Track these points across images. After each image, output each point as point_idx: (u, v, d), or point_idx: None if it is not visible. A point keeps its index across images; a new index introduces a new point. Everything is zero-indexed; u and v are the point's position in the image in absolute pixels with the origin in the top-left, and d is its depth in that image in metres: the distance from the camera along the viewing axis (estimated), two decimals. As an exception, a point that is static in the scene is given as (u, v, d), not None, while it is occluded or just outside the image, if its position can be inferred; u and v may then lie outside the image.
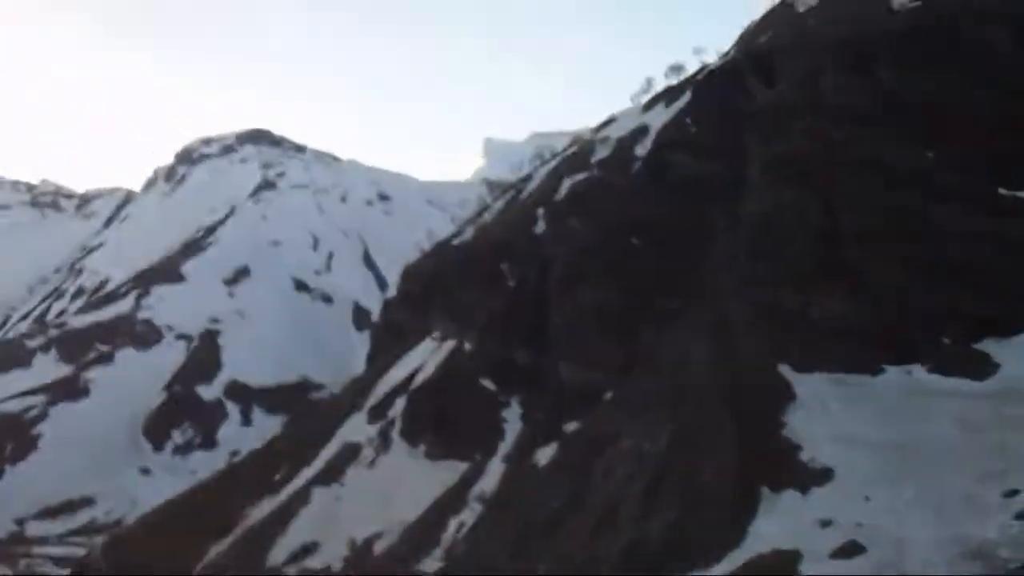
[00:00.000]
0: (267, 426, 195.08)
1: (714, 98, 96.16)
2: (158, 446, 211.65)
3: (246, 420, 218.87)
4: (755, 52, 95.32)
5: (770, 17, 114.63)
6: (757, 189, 73.49)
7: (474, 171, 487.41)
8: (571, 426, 76.42)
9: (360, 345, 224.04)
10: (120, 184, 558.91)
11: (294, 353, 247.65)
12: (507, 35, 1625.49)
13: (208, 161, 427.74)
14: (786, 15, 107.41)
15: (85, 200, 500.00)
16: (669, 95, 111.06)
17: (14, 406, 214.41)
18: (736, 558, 42.91)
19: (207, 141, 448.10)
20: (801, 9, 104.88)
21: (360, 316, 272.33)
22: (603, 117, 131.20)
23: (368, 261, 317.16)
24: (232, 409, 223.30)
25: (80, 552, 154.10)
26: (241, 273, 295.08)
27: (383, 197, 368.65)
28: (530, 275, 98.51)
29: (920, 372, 54.00)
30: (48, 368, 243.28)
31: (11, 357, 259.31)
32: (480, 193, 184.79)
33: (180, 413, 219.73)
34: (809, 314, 59.36)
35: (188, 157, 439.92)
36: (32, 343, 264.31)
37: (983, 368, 52.51)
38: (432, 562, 79.28)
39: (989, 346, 53.82)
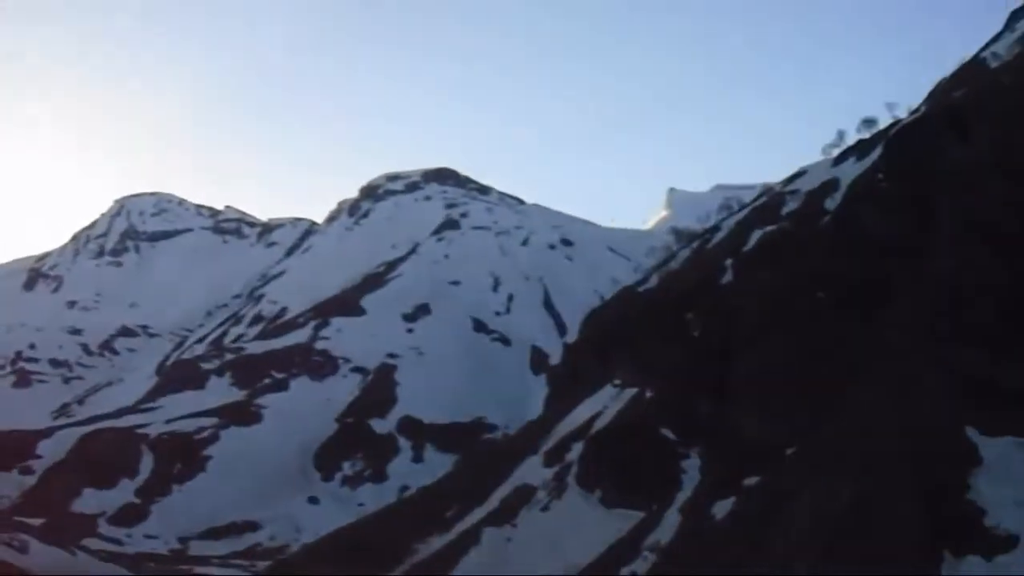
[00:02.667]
0: (438, 463, 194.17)
1: (906, 153, 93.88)
2: (327, 476, 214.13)
3: (417, 456, 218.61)
4: (948, 108, 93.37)
5: (961, 73, 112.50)
6: (945, 248, 71.92)
7: (656, 220, 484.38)
8: (750, 480, 75.07)
9: (536, 388, 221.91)
10: (302, 214, 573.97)
11: (469, 392, 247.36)
12: (690, 86, 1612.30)
13: (393, 197, 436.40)
14: (978, 72, 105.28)
15: (268, 228, 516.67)
16: (861, 149, 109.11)
17: (185, 426, 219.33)
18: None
19: (392, 177, 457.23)
20: (993, 65, 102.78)
21: (538, 359, 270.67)
22: (784, 171, 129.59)
23: (548, 305, 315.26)
24: (404, 444, 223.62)
25: (240, 575, 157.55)
26: (420, 310, 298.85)
27: (566, 242, 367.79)
28: (715, 325, 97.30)
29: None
30: (221, 392, 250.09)
31: (185, 378, 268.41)
32: (666, 242, 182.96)
33: (351, 445, 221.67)
34: (997, 377, 57.61)
35: (373, 192, 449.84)
36: (207, 366, 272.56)
37: None
38: (601, 610, 78.73)
39: None
